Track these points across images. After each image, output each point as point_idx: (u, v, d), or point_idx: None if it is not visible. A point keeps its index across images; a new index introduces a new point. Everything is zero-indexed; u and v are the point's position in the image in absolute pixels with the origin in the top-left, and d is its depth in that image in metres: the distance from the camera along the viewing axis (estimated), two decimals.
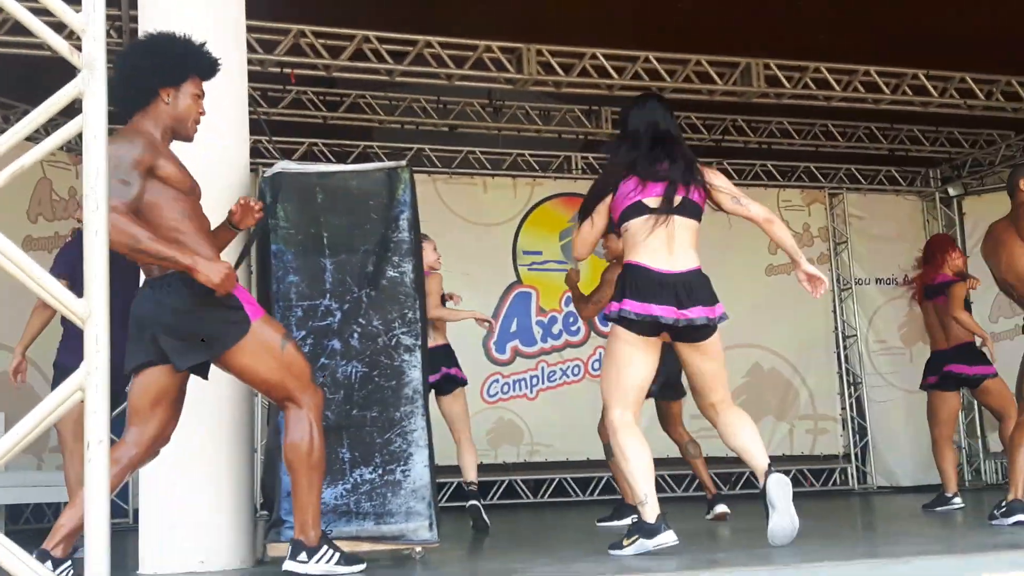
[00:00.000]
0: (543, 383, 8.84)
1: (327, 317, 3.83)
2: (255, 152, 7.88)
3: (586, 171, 9.42)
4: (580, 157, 9.48)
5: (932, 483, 9.66)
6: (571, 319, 9.02)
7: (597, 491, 8.97)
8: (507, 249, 9.01)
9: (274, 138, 8.23)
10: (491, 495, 8.50)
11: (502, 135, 9.03)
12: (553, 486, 8.80)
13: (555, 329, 8.98)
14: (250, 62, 7.05)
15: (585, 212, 3.88)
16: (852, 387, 9.77)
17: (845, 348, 9.81)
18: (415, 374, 3.81)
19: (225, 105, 3.90)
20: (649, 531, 3.45)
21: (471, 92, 8.40)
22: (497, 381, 8.79)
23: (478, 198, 9.03)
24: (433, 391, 5.43)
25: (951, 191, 10.11)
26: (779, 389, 9.50)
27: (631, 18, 7.66)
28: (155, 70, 3.18)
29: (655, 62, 7.69)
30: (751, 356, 9.32)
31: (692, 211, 3.76)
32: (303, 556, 3.16)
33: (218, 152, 3.89)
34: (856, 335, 9.81)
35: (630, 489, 3.73)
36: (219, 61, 3.30)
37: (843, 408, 9.65)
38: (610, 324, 3.72)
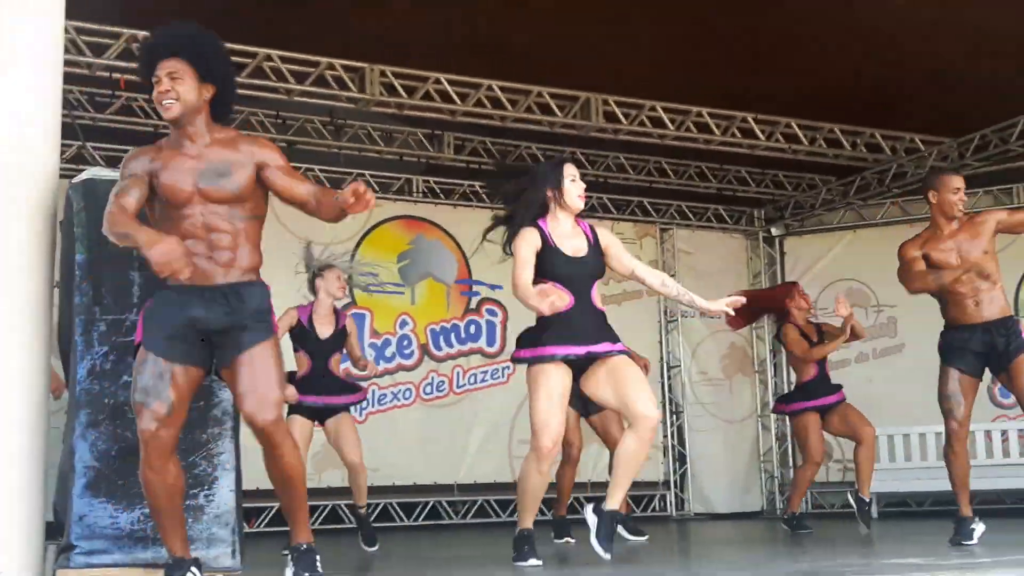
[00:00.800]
0: (372, 406, 8.73)
1: (132, 332, 3.58)
2: (79, 159, 7.52)
3: (427, 194, 9.41)
4: (422, 180, 9.47)
5: (747, 510, 10.09)
6: (404, 342, 8.96)
7: (422, 516, 8.92)
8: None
9: (102, 145, 7.87)
10: (315, 520, 8.33)
11: (343, 154, 8.91)
12: (378, 511, 8.69)
13: (388, 352, 8.90)
14: (78, 65, 6.79)
15: None
16: (674, 416, 10.08)
17: (669, 378, 10.12)
18: (224, 395, 3.66)
19: (33, 106, 3.69)
20: None
21: (312, 109, 8.26)
22: None
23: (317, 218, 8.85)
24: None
25: (774, 231, 10.60)
26: None
27: (475, 46, 7.71)
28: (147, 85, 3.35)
29: (498, 91, 7.77)
30: None
31: None
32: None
33: (22, 155, 3.65)
34: (680, 366, 10.14)
35: None
36: (153, 36, 3.38)
37: (665, 436, 9.93)
38: None
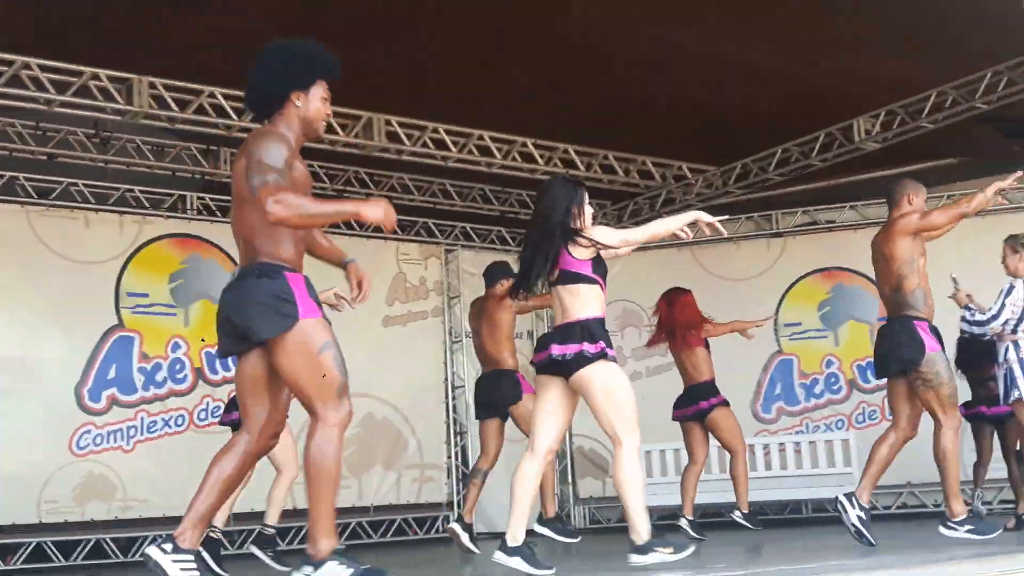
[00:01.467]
0: (142, 434, 8.29)
1: None
2: None
3: (202, 212, 9.04)
4: (196, 197, 9.09)
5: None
6: (177, 366, 8.56)
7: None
8: (109, 290, 8.40)
9: None
10: (75, 556, 7.82)
11: (110, 168, 8.45)
12: (147, 543, 8.23)
13: (159, 377, 8.47)
14: None
15: None
16: (458, 436, 10.11)
17: (454, 398, 10.14)
18: None
19: None
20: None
21: (75, 120, 7.81)
22: (89, 432, 8.11)
23: (79, 234, 8.35)
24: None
25: None
26: (389, 438, 9.62)
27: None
28: (286, 76, 3.44)
29: None
30: (365, 406, 9.35)
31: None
32: (308, 569, 3.18)
33: None
34: (464, 386, 10.19)
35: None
36: (339, 61, 3.55)
37: (449, 457, 9.95)
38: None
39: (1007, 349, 5.67)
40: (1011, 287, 5.69)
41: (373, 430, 9.42)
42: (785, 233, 10.15)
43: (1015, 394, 5.58)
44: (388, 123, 8.04)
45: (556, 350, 4.20)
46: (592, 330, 4.22)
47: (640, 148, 9.29)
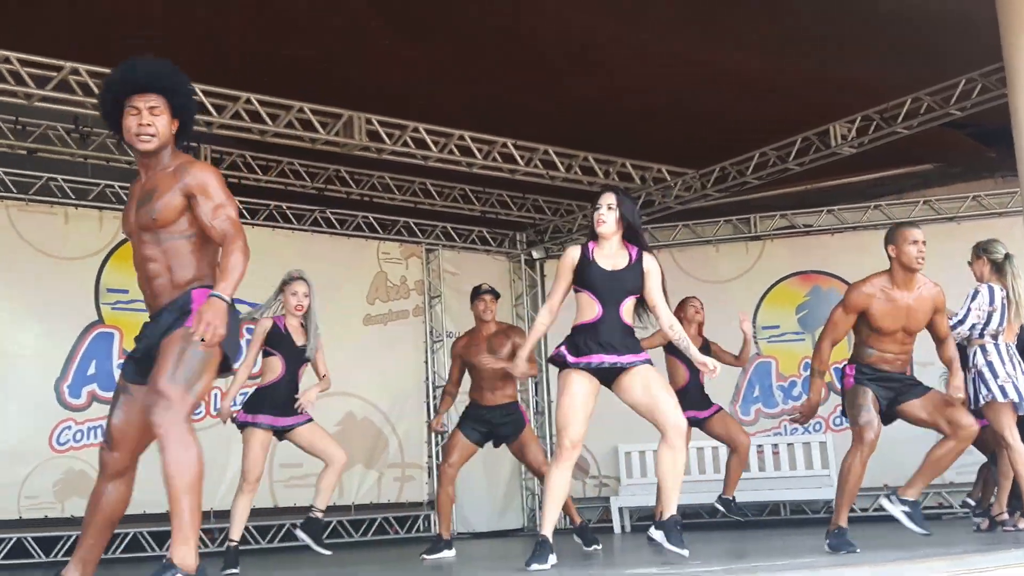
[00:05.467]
0: None
1: None
2: None
3: None
4: None
5: (508, 528, 10.28)
6: None
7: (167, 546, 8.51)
8: (89, 286, 8.40)
9: None
10: (56, 551, 7.80)
11: (90, 163, 8.44)
12: (127, 540, 8.25)
13: None
14: None
15: None
16: (439, 436, 10.13)
17: (435, 398, 10.16)
18: None
19: None
20: None
21: (55, 115, 7.80)
22: (69, 428, 8.11)
23: (58, 229, 8.35)
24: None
25: (535, 254, 10.92)
26: (370, 437, 9.64)
27: (237, 58, 7.53)
28: (104, 109, 3.51)
29: (256, 104, 7.61)
30: (346, 404, 9.39)
31: None
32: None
33: None
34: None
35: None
36: (131, 71, 3.44)
37: (429, 456, 9.98)
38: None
39: (975, 353, 5.74)
40: (976, 292, 5.77)
41: (354, 429, 9.43)
42: (763, 236, 10.24)
43: (985, 396, 5.66)
44: (369, 122, 8.06)
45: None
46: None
47: (619, 150, 9.35)
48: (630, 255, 4.57)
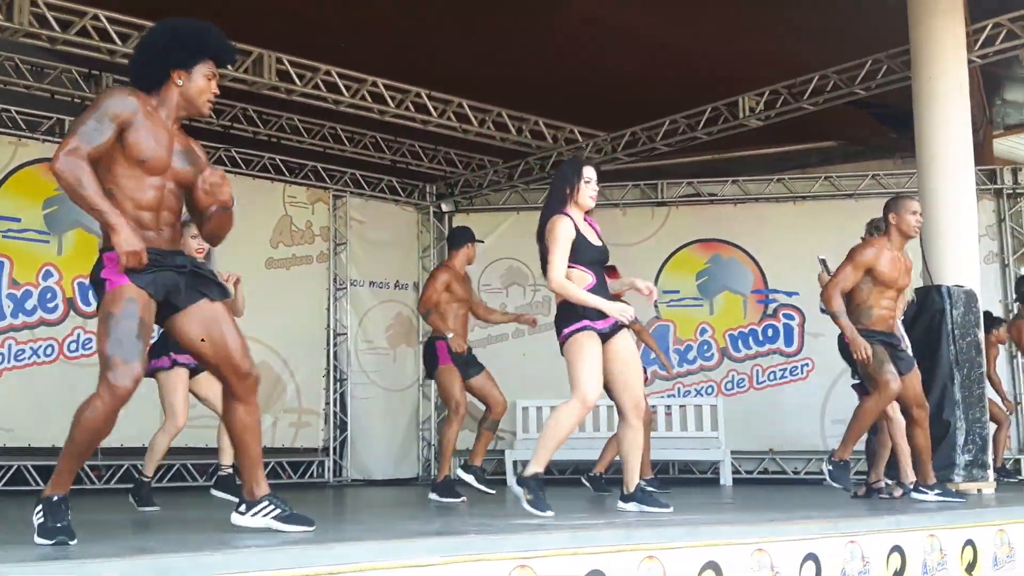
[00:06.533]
0: (9, 362, 8.05)
1: None
2: None
3: None
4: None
5: (403, 476, 10.34)
6: (48, 295, 8.32)
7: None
8: None
9: None
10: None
11: None
12: (11, 473, 8.05)
13: (29, 304, 8.21)
14: None
15: None
16: (338, 383, 10.11)
17: (335, 346, 10.12)
18: None
19: None
20: None
21: None
22: None
23: None
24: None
25: (444, 207, 10.89)
26: (268, 382, 9.53)
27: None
28: (167, 55, 3.38)
29: None
30: None
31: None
32: (242, 508, 3.46)
33: None
34: (347, 334, 10.18)
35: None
36: (227, 45, 3.50)
37: (327, 403, 9.95)
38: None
39: None
40: None
41: None
42: (669, 203, 10.39)
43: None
44: (279, 61, 7.89)
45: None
46: None
47: (534, 108, 9.35)
48: (593, 227, 4.72)
